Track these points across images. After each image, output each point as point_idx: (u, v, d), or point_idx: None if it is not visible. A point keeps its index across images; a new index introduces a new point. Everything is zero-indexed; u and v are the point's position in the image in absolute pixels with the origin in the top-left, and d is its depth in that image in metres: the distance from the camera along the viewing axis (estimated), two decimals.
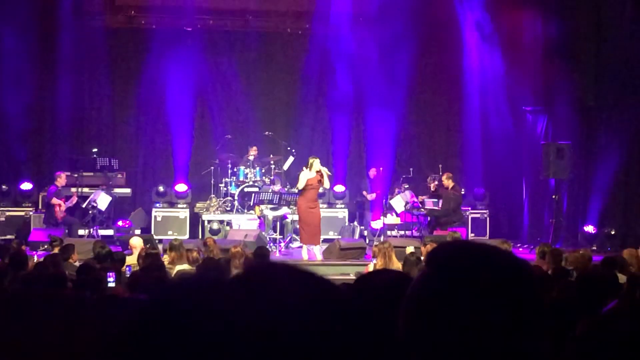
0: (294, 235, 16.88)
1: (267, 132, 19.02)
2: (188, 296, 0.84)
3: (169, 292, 0.85)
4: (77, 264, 10.40)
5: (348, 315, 0.86)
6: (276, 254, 15.44)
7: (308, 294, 0.85)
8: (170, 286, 0.86)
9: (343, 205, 18.99)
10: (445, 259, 1.43)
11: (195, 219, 18.22)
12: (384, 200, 17.37)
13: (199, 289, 0.85)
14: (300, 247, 15.41)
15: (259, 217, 16.92)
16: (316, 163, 14.85)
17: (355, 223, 18.46)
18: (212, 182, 18.53)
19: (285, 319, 0.81)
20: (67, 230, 16.26)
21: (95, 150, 18.76)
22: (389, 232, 17.04)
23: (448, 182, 17.09)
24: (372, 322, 0.89)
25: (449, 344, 1.33)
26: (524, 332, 1.35)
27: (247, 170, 18.06)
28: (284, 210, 16.65)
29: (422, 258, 11.18)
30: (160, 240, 15.33)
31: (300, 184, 14.92)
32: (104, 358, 0.82)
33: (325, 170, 14.92)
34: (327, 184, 15.16)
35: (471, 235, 17.98)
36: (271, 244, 16.08)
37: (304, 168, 15.11)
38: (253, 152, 18.37)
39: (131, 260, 11.00)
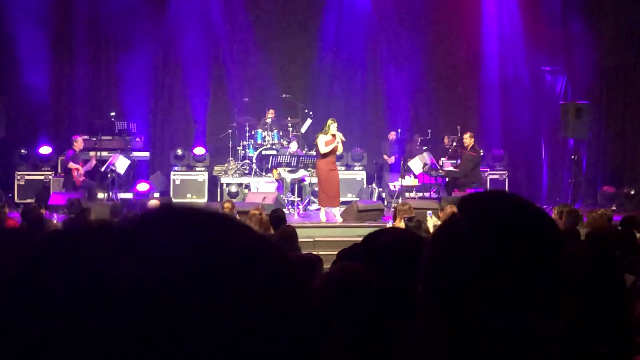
0: (312, 198, 16.89)
1: (284, 95, 18.97)
2: (65, 243, 0.77)
3: (42, 241, 0.78)
4: None
5: (254, 268, 0.77)
6: (295, 217, 15.47)
7: (199, 240, 0.77)
8: (48, 234, 0.78)
9: (361, 168, 18.97)
10: (477, 204, 1.43)
11: (213, 182, 18.28)
12: (402, 162, 17.32)
13: (78, 236, 0.77)
14: (319, 209, 15.43)
15: (277, 180, 16.94)
16: (333, 127, 14.80)
17: (374, 185, 18.45)
18: (230, 145, 18.54)
19: (163, 270, 0.73)
20: (86, 194, 16.34)
21: (113, 113, 18.78)
22: (407, 194, 16.99)
23: (470, 141, 16.96)
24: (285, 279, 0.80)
25: (470, 287, 1.34)
26: (544, 281, 1.35)
27: (265, 133, 18.05)
28: (301, 172, 16.64)
29: (426, 222, 11.18)
30: None
31: (323, 149, 14.83)
32: None
33: (340, 136, 14.85)
34: (340, 149, 15.09)
35: None
36: (289, 207, 16.11)
37: (320, 135, 15.03)
38: (270, 115, 18.34)
39: None
